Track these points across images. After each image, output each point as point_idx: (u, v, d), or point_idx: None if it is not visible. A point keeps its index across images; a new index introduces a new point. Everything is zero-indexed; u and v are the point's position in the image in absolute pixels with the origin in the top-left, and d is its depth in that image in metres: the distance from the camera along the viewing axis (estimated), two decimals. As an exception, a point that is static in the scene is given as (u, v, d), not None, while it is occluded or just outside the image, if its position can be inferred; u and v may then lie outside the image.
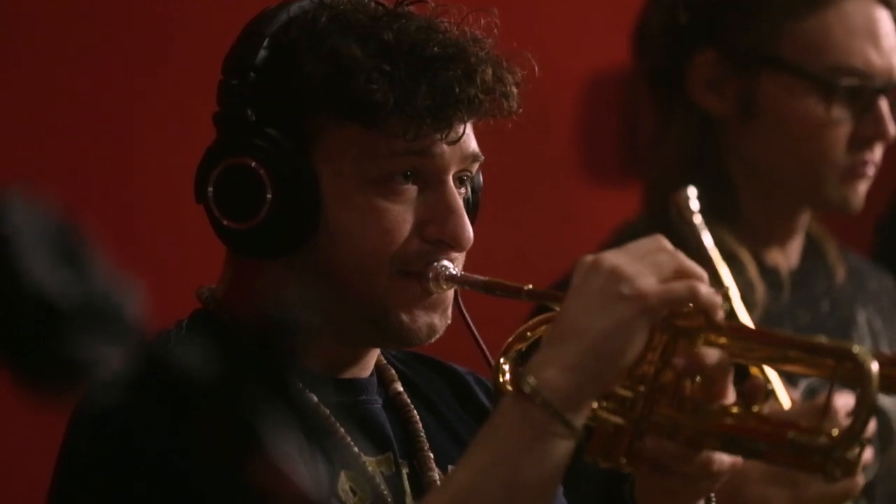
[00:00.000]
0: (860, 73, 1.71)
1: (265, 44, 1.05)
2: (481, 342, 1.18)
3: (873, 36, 1.73)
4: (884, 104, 1.71)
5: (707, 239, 1.56)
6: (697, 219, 1.57)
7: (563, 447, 0.91)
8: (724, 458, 0.95)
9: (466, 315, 1.13)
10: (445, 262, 1.06)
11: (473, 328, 1.14)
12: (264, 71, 1.05)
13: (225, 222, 1.06)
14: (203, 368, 0.53)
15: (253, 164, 1.04)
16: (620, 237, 1.62)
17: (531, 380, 0.90)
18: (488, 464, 0.93)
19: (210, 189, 1.06)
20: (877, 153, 1.75)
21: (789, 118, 1.72)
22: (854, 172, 1.73)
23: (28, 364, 0.49)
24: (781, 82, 1.72)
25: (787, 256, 1.80)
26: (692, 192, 1.57)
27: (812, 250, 1.83)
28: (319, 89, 1.03)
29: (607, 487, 1.19)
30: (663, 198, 1.65)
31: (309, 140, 1.05)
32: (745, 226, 1.75)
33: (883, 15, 1.75)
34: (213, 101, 1.09)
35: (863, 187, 1.76)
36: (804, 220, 1.81)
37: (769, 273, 1.76)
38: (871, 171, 1.76)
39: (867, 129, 1.71)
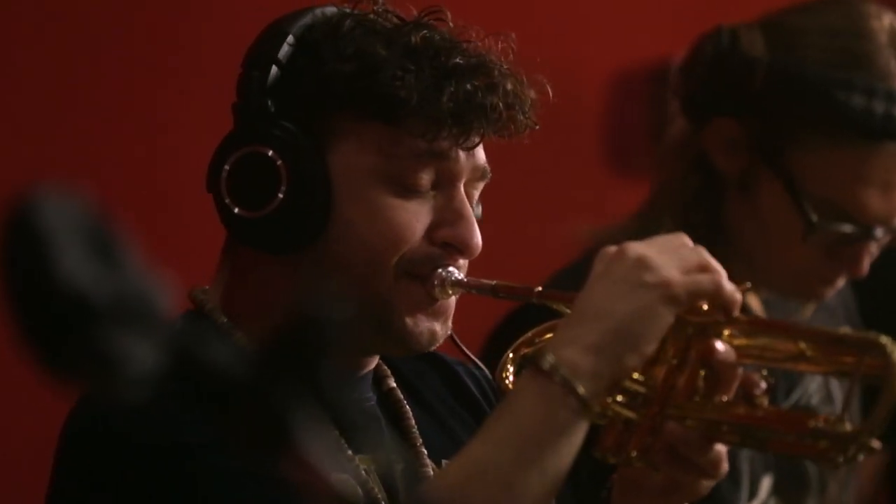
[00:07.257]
0: (852, 220, 1.59)
1: (289, 41, 1.06)
2: (471, 354, 1.19)
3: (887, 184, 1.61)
4: (866, 247, 1.62)
5: None
6: None
7: (578, 426, 0.92)
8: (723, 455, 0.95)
9: (454, 336, 1.13)
10: (452, 268, 1.07)
11: (462, 344, 1.16)
12: (287, 66, 1.06)
13: (237, 210, 1.06)
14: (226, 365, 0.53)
15: (270, 154, 1.05)
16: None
17: (550, 357, 0.92)
18: (502, 438, 0.94)
19: (224, 175, 1.06)
20: (839, 283, 1.66)
21: (770, 216, 1.64)
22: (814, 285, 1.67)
23: (59, 358, 0.49)
24: (777, 186, 1.63)
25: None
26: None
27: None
28: (343, 85, 1.05)
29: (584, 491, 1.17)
30: (653, 226, 1.54)
31: (326, 136, 1.06)
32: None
33: None
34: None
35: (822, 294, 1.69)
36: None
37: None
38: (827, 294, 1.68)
39: (838, 262, 1.63)
